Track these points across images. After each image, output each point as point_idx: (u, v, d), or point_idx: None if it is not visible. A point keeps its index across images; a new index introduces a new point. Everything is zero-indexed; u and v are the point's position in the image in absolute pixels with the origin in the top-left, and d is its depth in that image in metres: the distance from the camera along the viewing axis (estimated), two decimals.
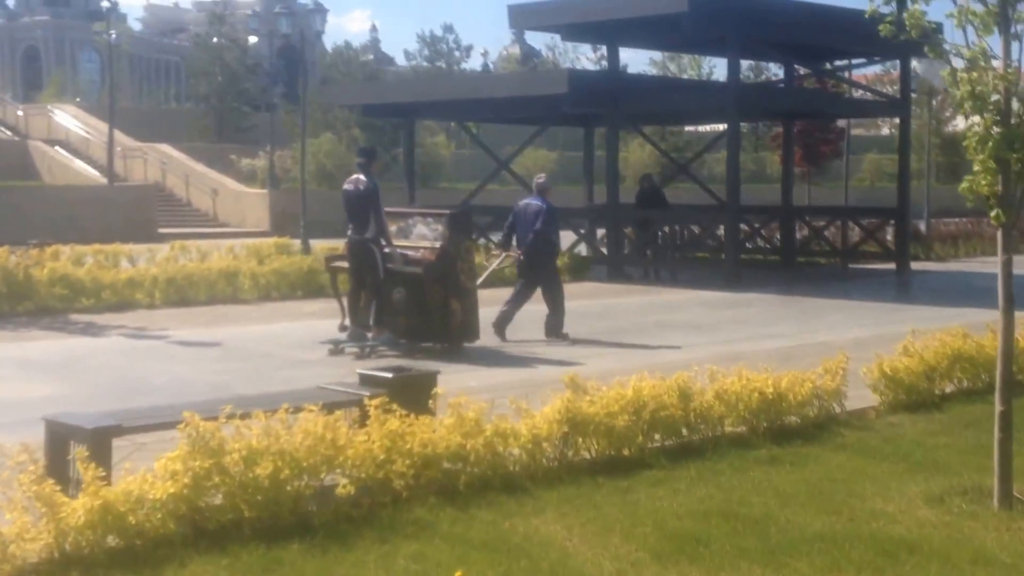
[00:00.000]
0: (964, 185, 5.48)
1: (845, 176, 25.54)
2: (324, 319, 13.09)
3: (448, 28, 51.37)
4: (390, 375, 6.20)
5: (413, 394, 5.97)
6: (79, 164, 35.81)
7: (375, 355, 9.97)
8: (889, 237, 20.14)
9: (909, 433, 7.00)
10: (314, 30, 19.89)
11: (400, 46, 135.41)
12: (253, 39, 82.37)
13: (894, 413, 7.62)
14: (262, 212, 32.00)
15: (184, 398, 6.49)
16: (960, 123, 63.33)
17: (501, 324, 11.01)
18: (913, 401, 7.78)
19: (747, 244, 21.82)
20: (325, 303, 14.90)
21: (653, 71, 48.11)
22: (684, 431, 6.48)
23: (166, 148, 35.63)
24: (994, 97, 5.38)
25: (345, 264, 10.73)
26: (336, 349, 10.14)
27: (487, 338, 10.65)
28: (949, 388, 8.19)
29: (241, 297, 14.81)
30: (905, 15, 5.60)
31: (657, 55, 44.61)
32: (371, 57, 73.46)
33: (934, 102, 57.35)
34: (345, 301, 10.78)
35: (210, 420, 4.94)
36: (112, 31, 27.73)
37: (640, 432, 6.21)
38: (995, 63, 5.47)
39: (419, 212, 11.16)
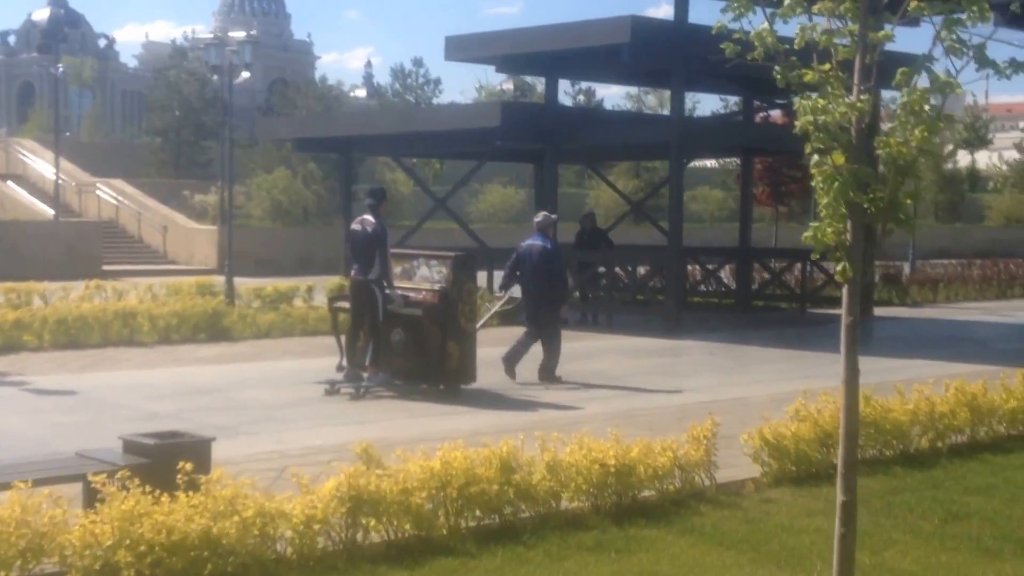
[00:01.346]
0: (808, 233, 4.74)
1: (812, 215, 24.78)
2: (217, 363, 12.43)
3: (418, 62, 50.83)
4: (152, 442, 5.42)
5: (179, 463, 5.20)
6: (30, 199, 35.20)
7: (370, 395, 10.14)
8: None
9: (782, 513, 6.20)
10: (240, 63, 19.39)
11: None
12: (246, 74, 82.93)
13: (777, 487, 6.83)
14: (210, 249, 31.31)
15: None
16: (961, 159, 63.04)
17: (511, 361, 11.14)
18: (803, 473, 6.99)
19: (702, 287, 21.21)
20: (227, 346, 14.27)
21: (628, 104, 47.75)
22: (509, 509, 5.70)
23: (120, 183, 35.03)
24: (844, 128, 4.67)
25: (347, 304, 10.85)
26: (332, 389, 10.25)
27: (483, 380, 10.65)
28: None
29: (138, 340, 14.02)
30: (752, 33, 4.91)
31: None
32: (363, 93, 73.54)
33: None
34: (343, 340, 10.85)
35: None
36: (60, 65, 27.12)
37: (447, 511, 5.42)
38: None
39: (424, 254, 11.21)
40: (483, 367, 10.64)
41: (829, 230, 4.63)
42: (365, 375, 10.33)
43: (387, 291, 10.26)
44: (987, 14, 4.66)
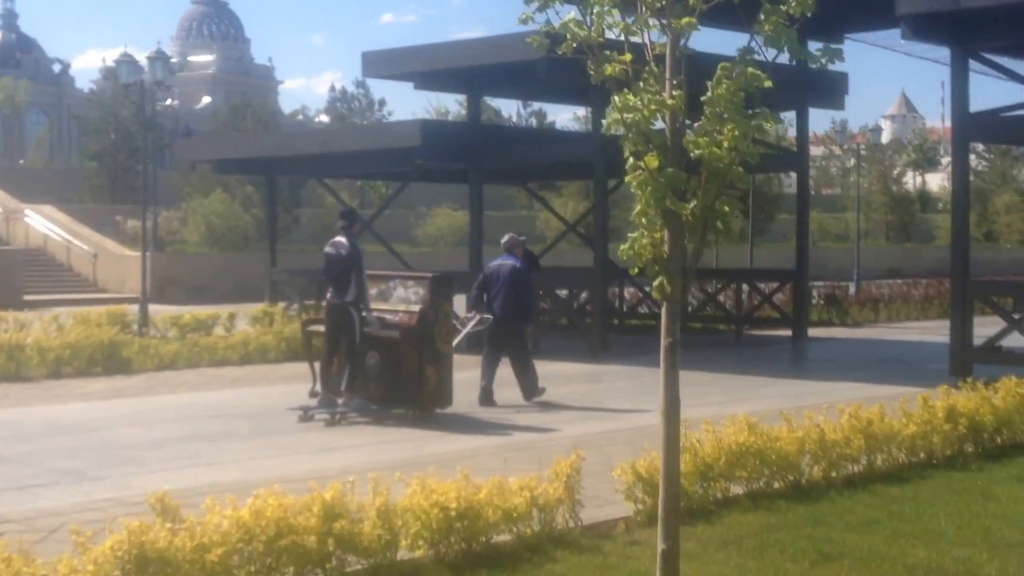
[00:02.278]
0: (625, 245, 4.32)
1: (750, 236, 24.56)
2: (103, 399, 11.80)
3: (360, 83, 50.35)
4: None
5: None
6: None
7: (346, 421, 10.03)
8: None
9: (645, 558, 5.72)
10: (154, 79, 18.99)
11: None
12: (206, 99, 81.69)
13: (651, 526, 6.30)
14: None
15: None
16: (910, 180, 63.89)
17: (488, 398, 11.10)
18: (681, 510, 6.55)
19: (639, 309, 20.86)
20: (122, 379, 13.59)
21: (577, 126, 47.51)
22: (333, 562, 5.19)
23: (50, 209, 34.20)
24: (658, 126, 4.26)
25: (321, 328, 10.75)
26: (306, 416, 10.14)
27: (459, 404, 10.55)
28: (738, 489, 6.98)
29: (25, 374, 13.34)
30: (558, 25, 4.50)
31: None
32: (328, 119, 72.85)
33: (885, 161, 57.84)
34: (317, 366, 10.70)
35: None
36: None
37: (257, 569, 4.90)
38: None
39: (400, 275, 11.25)
40: (457, 390, 10.54)
41: (645, 241, 4.21)
42: (340, 400, 10.26)
43: (364, 314, 10.18)
44: (808, 2, 4.31)
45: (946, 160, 73.63)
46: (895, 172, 56.93)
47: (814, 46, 4.82)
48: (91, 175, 39.17)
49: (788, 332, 18.87)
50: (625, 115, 4.18)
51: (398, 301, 10.58)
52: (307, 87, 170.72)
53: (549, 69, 14.74)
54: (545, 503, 5.91)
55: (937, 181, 69.08)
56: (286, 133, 27.56)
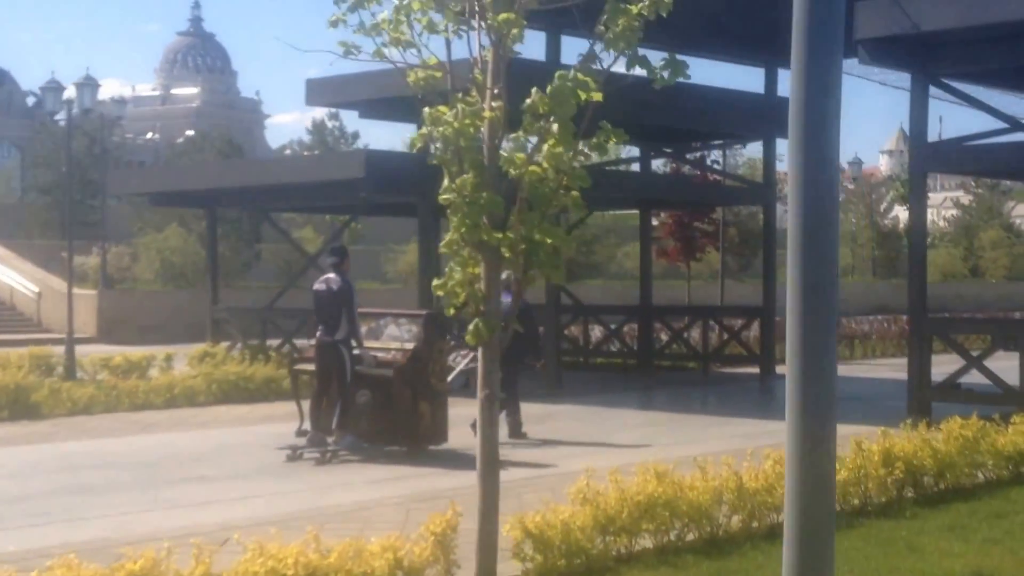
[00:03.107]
0: (438, 282, 3.99)
1: (721, 271, 24.29)
2: None
3: (333, 115, 50.22)
4: None
5: None
6: None
7: (336, 460, 10.12)
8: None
9: None
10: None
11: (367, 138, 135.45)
12: (189, 132, 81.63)
13: None
14: (89, 315, 30.02)
15: None
16: (900, 215, 64.05)
17: (516, 431, 11.31)
18: (575, 568, 6.15)
19: (607, 347, 20.59)
20: (24, 426, 12.96)
21: None
22: None
23: None
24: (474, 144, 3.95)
25: (310, 367, 10.83)
26: (294, 455, 10.21)
27: (454, 440, 10.65)
28: (645, 543, 6.61)
29: None
30: (369, 25, 4.21)
31: None
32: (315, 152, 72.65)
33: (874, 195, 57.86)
34: (306, 405, 10.77)
35: None
36: None
37: None
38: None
39: (392, 312, 11.39)
40: (451, 426, 10.66)
41: (458, 277, 3.89)
42: (330, 439, 10.33)
43: (357, 351, 10.27)
44: (665, 1, 4.05)
45: (936, 196, 74.12)
46: (882, 207, 57.02)
47: (660, 55, 4.55)
48: (40, 210, 38.77)
49: (757, 369, 18.58)
50: (435, 129, 3.87)
51: (389, 339, 10.69)
52: (300, 120, 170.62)
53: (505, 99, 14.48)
54: (411, 566, 5.51)
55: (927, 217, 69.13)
56: (224, 164, 27.17)
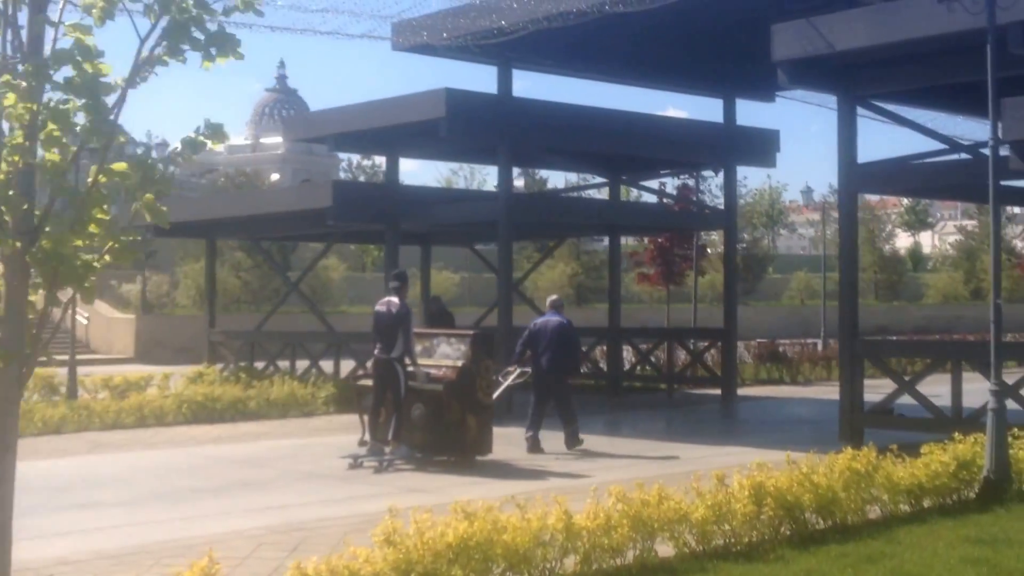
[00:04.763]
0: None
1: (694, 295, 22.93)
2: None
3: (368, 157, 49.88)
4: None
5: None
6: None
7: (392, 468, 10.17)
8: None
9: None
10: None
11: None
12: (275, 176, 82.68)
13: None
14: (129, 338, 29.61)
15: None
16: (900, 242, 61.99)
17: (536, 446, 11.24)
18: None
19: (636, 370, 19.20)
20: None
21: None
22: None
23: None
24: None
25: (369, 382, 10.96)
26: (355, 463, 10.29)
27: (499, 451, 10.70)
28: None
29: None
30: None
31: None
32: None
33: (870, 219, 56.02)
34: (366, 418, 10.92)
35: None
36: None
37: None
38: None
39: (443, 333, 11.51)
40: (496, 439, 10.67)
41: None
42: (387, 449, 10.40)
43: (411, 368, 10.40)
44: None
45: (947, 223, 71.56)
46: (884, 232, 55.01)
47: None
48: None
49: (719, 391, 17.23)
50: None
51: (442, 357, 10.80)
52: (382, 162, 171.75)
53: (450, 128, 13.53)
54: None
55: (932, 241, 66.97)
56: (216, 196, 26.55)
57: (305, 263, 37.10)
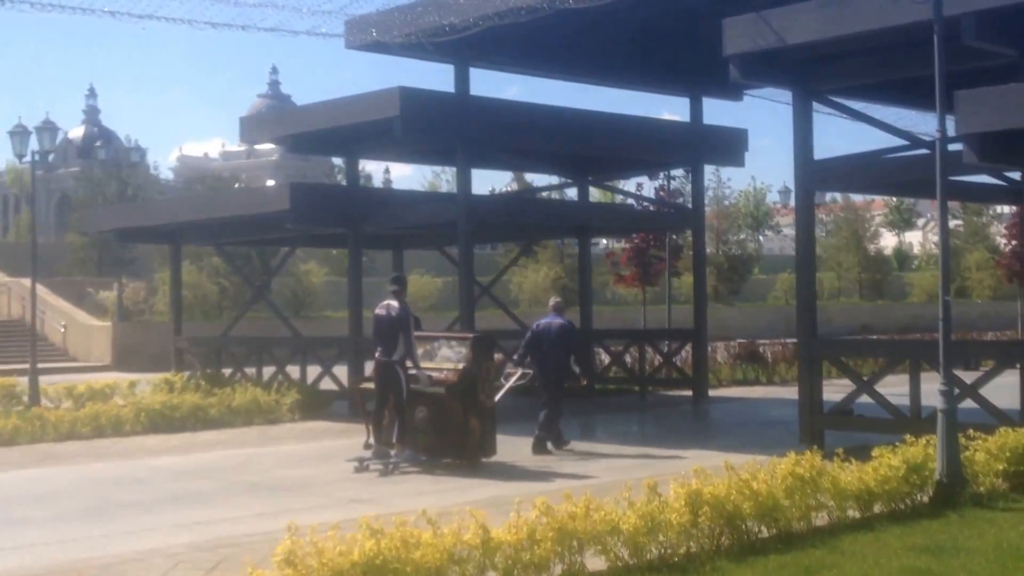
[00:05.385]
0: None
1: (667, 296, 22.57)
2: None
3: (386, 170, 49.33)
4: None
5: None
6: None
7: (398, 471, 10.12)
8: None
9: None
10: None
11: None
12: (270, 182, 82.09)
13: None
14: (106, 345, 29.19)
15: None
16: (886, 240, 61.80)
17: (559, 441, 11.30)
18: None
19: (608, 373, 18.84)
20: None
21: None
22: None
23: (27, 282, 33.11)
24: None
25: (371, 385, 10.83)
26: (361, 466, 10.24)
27: (503, 453, 10.66)
28: None
29: None
30: None
31: None
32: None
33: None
34: (370, 420, 10.85)
35: None
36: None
37: None
38: None
39: (444, 336, 11.45)
40: (500, 441, 10.61)
41: None
42: (392, 452, 10.35)
43: (413, 371, 10.33)
44: None
45: (920, 220, 71.47)
46: (869, 231, 54.82)
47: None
48: (77, 248, 38.14)
49: (691, 392, 16.92)
50: None
51: (443, 360, 10.76)
52: (378, 168, 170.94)
53: (405, 128, 13.20)
54: None
55: (918, 240, 66.90)
56: (181, 199, 26.14)
57: (286, 268, 36.79)
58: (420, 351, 10.58)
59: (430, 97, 13.64)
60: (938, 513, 7.37)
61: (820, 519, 7.10)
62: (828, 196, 59.35)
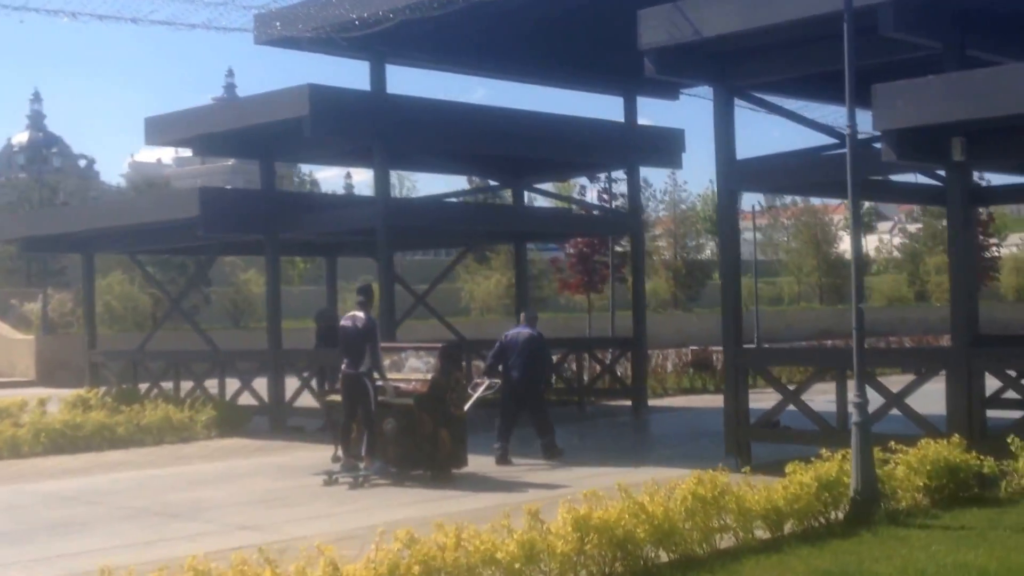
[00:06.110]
0: None
1: (611, 302, 22.33)
2: None
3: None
4: None
5: None
6: None
7: (368, 484, 10.13)
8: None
9: None
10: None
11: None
12: (228, 187, 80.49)
13: None
14: (30, 360, 28.31)
15: None
16: (844, 245, 62.19)
17: (504, 458, 11.18)
18: None
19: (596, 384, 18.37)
20: None
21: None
22: None
23: None
24: None
25: (338, 398, 10.81)
26: (330, 480, 10.22)
27: (475, 465, 10.67)
28: None
29: None
30: None
31: None
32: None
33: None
34: (338, 434, 10.83)
35: None
36: None
37: None
38: None
39: (411, 346, 11.44)
40: (471, 452, 10.63)
41: None
42: (362, 465, 10.35)
43: (379, 382, 10.33)
44: None
45: (884, 224, 72.15)
46: (830, 235, 55.14)
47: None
48: (4, 259, 37.15)
49: (630, 402, 16.60)
50: None
51: (410, 370, 10.74)
52: (342, 174, 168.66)
53: (315, 127, 12.74)
54: None
55: (876, 243, 67.49)
56: (90, 207, 25.42)
57: (226, 277, 36.06)
58: (387, 362, 10.62)
59: (342, 95, 13.19)
60: (851, 532, 7.07)
61: (726, 541, 6.78)
62: (789, 199, 59.70)
